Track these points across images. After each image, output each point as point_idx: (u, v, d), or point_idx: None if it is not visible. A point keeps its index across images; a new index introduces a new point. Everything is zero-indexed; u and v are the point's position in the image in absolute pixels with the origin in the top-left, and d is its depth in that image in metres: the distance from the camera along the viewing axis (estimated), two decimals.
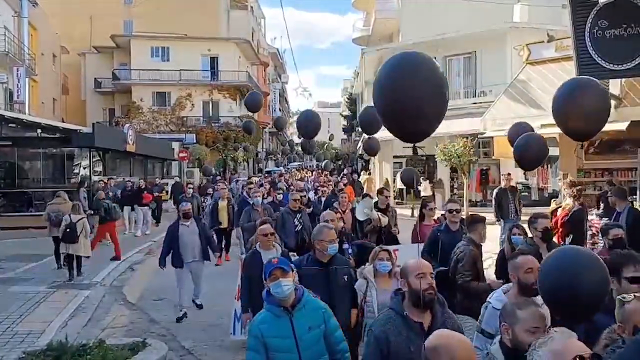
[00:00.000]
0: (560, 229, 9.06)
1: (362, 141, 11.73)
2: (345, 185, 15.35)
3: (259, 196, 9.69)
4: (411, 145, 4.20)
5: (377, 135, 26.11)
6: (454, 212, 6.09)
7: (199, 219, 8.79)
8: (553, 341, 1.96)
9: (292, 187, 15.35)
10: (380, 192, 8.86)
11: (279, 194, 11.88)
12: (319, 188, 13.80)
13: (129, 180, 17.56)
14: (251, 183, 15.54)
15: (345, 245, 5.83)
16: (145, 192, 16.71)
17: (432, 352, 2.08)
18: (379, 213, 7.22)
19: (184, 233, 7.97)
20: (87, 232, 10.52)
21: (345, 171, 31.84)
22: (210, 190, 15.97)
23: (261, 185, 15.94)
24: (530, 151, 6.71)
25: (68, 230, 10.09)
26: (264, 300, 3.41)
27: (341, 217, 7.30)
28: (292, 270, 3.40)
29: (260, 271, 4.84)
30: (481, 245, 5.27)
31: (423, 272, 2.96)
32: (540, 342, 2.01)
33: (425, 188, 22.46)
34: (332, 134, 66.00)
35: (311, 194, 14.45)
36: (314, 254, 4.42)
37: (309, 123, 10.18)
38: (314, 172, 32.66)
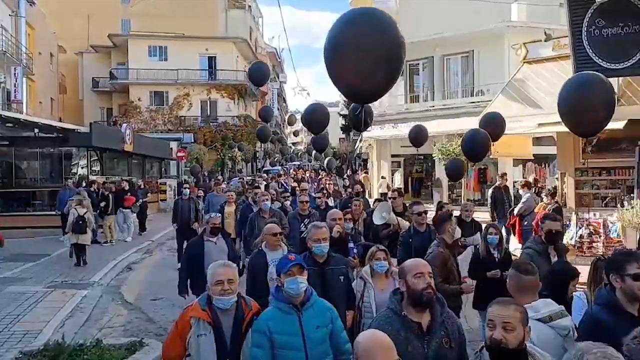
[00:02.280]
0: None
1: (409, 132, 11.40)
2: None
3: (267, 201, 8.23)
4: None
5: (374, 134, 26.06)
6: (423, 215, 6.10)
7: (227, 234, 7.24)
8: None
9: (297, 188, 14.59)
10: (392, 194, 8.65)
11: (285, 197, 10.32)
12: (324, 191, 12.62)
13: (112, 182, 16.40)
14: (257, 187, 13.94)
15: (351, 245, 5.79)
16: (129, 194, 15.57)
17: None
18: (399, 218, 7.00)
19: (212, 252, 6.19)
20: (91, 224, 12.06)
21: (348, 172, 31.64)
22: (200, 193, 13.68)
23: (252, 185, 15.33)
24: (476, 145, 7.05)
25: (80, 222, 11.59)
26: (273, 296, 3.40)
27: (352, 218, 7.08)
28: (306, 269, 3.39)
29: (263, 271, 4.85)
30: (456, 243, 5.27)
31: (421, 272, 2.96)
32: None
33: (380, 185, 22.62)
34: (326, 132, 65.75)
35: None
36: (310, 254, 4.42)
37: (312, 115, 9.22)
38: (308, 172, 32.36)
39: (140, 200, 16.74)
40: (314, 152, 30.74)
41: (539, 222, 9.79)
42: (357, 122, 9.16)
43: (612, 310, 3.03)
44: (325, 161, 27.69)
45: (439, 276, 4.92)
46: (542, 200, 10.49)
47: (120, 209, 15.16)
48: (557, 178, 12.69)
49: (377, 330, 2.48)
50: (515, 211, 10.52)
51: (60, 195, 14.88)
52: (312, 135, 10.97)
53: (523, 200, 10.63)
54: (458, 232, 5.18)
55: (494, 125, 8.36)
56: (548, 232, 5.10)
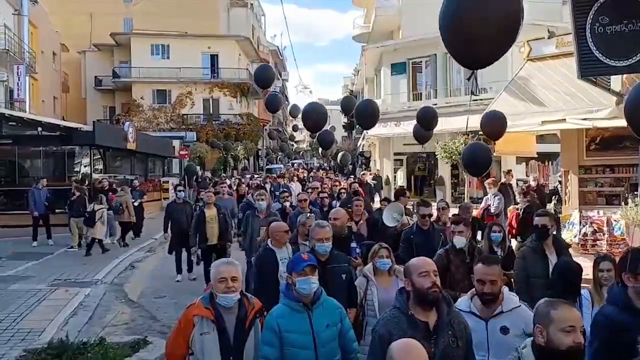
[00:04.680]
0: (515, 229, 9.11)
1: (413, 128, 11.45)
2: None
3: (263, 201, 7.93)
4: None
5: (375, 133, 26.01)
6: (427, 218, 6.02)
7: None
8: None
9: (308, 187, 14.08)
10: (401, 193, 8.51)
11: (282, 196, 9.58)
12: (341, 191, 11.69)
13: (100, 181, 15.51)
14: (261, 187, 12.65)
15: (353, 244, 5.74)
16: (110, 193, 14.41)
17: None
18: (408, 217, 6.88)
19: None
20: (104, 219, 12.82)
21: (364, 171, 31.21)
22: (202, 195, 11.50)
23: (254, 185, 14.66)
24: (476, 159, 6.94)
25: (87, 216, 12.59)
26: (282, 293, 3.41)
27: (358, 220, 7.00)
28: (318, 269, 3.40)
29: (274, 268, 4.84)
30: (473, 248, 5.15)
31: (426, 271, 2.93)
32: None
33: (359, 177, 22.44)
34: (333, 126, 65.66)
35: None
36: (312, 251, 4.39)
37: (312, 114, 9.45)
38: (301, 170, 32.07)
39: (138, 201, 15.31)
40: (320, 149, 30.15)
41: (511, 222, 9.86)
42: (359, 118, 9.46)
43: (624, 309, 3.04)
44: (340, 156, 26.15)
45: None
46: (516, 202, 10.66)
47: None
48: (560, 176, 12.67)
49: (411, 339, 2.44)
50: (492, 210, 10.53)
51: (34, 196, 13.86)
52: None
53: (496, 203, 10.65)
54: (460, 242, 5.00)
55: (493, 126, 8.35)
56: (535, 227, 5.10)
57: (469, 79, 5.06)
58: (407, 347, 2.28)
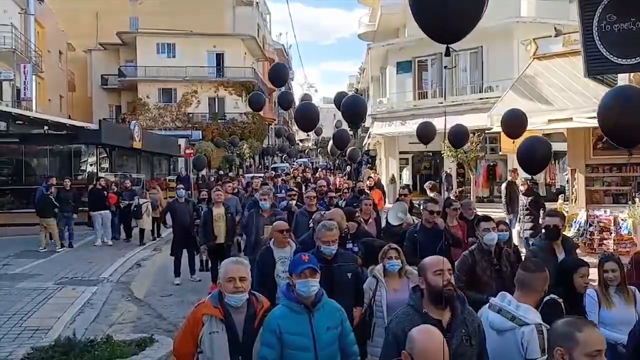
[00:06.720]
0: None
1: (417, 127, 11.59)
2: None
3: (266, 200, 7.73)
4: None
5: (381, 131, 25.88)
6: (435, 214, 5.94)
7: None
8: None
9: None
10: (400, 196, 8.62)
11: (291, 195, 9.52)
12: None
13: (99, 179, 15.36)
14: (264, 184, 12.19)
15: (349, 245, 5.70)
16: (109, 192, 14.27)
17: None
18: (413, 217, 6.84)
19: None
20: (149, 211, 14.21)
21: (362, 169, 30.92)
22: (204, 194, 11.63)
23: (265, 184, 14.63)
24: (534, 155, 6.85)
25: (135, 209, 13.96)
26: (283, 294, 3.39)
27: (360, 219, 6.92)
28: (319, 271, 3.36)
29: (270, 269, 4.84)
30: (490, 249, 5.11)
31: (441, 269, 2.92)
32: None
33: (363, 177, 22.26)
34: (338, 121, 65.22)
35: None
36: (318, 251, 4.35)
37: (304, 114, 9.80)
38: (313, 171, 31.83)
39: (127, 202, 14.66)
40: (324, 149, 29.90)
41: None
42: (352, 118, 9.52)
43: None
44: (349, 150, 25.52)
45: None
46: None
47: (98, 211, 13.96)
48: (566, 174, 12.63)
49: (431, 326, 2.46)
50: None
51: (41, 195, 13.52)
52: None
53: None
54: (493, 239, 4.79)
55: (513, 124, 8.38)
56: (546, 227, 5.07)
57: (446, 55, 4.91)
58: (428, 332, 2.36)
